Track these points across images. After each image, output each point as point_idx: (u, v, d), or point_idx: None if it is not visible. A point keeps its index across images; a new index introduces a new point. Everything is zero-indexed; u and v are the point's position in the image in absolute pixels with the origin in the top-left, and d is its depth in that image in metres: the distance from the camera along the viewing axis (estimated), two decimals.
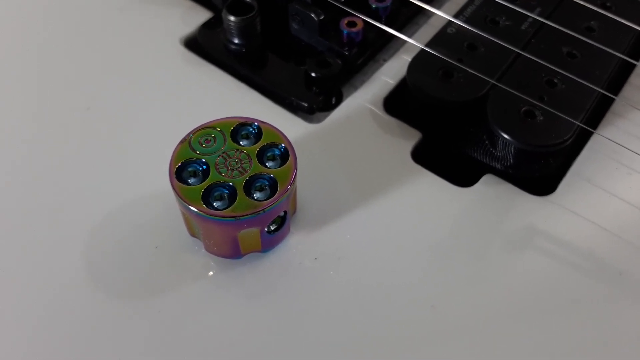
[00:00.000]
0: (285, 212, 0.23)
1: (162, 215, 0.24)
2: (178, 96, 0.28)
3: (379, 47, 0.31)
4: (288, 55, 0.30)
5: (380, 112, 0.28)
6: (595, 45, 0.28)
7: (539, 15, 0.30)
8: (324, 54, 0.29)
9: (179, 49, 0.30)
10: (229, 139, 0.23)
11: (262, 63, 0.30)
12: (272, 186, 0.22)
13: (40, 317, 0.22)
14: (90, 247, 0.23)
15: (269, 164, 0.22)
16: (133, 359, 0.21)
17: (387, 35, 0.30)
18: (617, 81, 0.29)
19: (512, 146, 0.25)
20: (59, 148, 0.26)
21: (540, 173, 0.26)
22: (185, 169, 0.22)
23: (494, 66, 0.27)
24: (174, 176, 0.22)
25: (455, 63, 0.27)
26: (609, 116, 0.28)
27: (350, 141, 0.27)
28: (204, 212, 0.21)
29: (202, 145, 0.22)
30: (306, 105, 0.28)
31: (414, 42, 0.29)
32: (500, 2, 0.30)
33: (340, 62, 0.28)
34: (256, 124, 0.23)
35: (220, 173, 0.22)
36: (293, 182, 0.22)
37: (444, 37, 0.29)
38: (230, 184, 0.21)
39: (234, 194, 0.21)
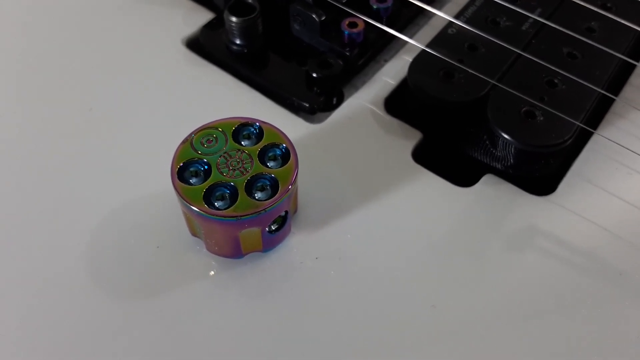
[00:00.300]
0: (286, 212, 0.23)
1: (163, 215, 0.24)
2: (180, 97, 0.28)
3: (380, 47, 0.31)
4: (289, 55, 0.30)
5: (381, 113, 0.28)
6: (596, 46, 0.28)
7: (539, 15, 0.30)
8: (325, 54, 0.29)
9: (180, 49, 0.30)
10: (230, 139, 0.23)
11: (263, 63, 0.30)
12: (273, 186, 0.22)
13: (42, 316, 0.22)
14: (92, 246, 0.23)
15: (270, 164, 0.22)
16: (134, 358, 0.21)
17: (388, 36, 0.30)
18: (618, 81, 0.29)
19: (513, 146, 0.25)
20: (62, 148, 0.26)
21: (540, 173, 0.26)
22: (187, 169, 0.22)
23: (494, 67, 0.27)
24: (176, 176, 0.22)
25: (456, 63, 0.27)
26: (609, 116, 0.28)
27: (351, 141, 0.27)
28: (206, 212, 0.21)
29: (203, 145, 0.22)
30: (307, 105, 0.28)
31: (414, 43, 0.29)
32: (500, 2, 0.30)
33: (341, 63, 0.28)
34: (257, 124, 0.23)
35: (221, 173, 0.22)
36: (294, 182, 0.22)
37: (445, 38, 0.29)
38: (232, 183, 0.22)
39: (235, 194, 0.21)
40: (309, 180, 0.25)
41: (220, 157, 0.22)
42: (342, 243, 0.24)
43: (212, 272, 0.23)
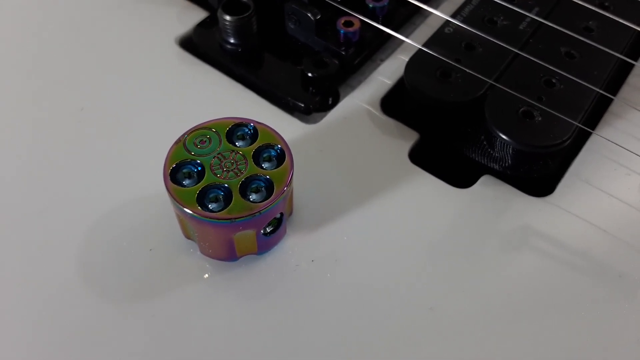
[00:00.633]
0: (282, 214, 0.22)
1: (156, 217, 0.24)
2: (173, 96, 0.28)
3: (376, 47, 0.30)
4: (284, 55, 0.30)
5: (378, 113, 0.28)
6: (594, 45, 0.28)
7: (537, 15, 0.29)
8: (321, 53, 0.29)
9: (174, 48, 0.30)
10: (224, 140, 0.22)
11: (258, 63, 0.29)
12: (268, 188, 0.21)
13: (34, 320, 0.22)
14: (84, 249, 0.23)
15: (265, 165, 0.22)
16: None
17: (384, 35, 0.30)
18: (616, 81, 0.29)
19: (510, 147, 0.25)
20: (52, 149, 0.26)
21: (538, 174, 0.26)
22: (180, 170, 0.22)
23: (492, 66, 0.27)
24: (169, 178, 0.21)
25: (453, 63, 0.27)
26: (607, 116, 0.28)
27: (347, 142, 0.27)
28: (199, 214, 0.21)
29: (197, 146, 0.22)
30: (303, 105, 0.28)
31: (411, 42, 0.29)
32: (498, 1, 0.30)
33: (337, 62, 0.28)
34: (252, 124, 0.23)
35: (215, 174, 0.21)
36: (289, 184, 0.22)
37: (442, 37, 0.28)
38: (226, 185, 0.21)
39: (230, 196, 0.21)
40: (304, 182, 0.25)
41: (214, 158, 0.22)
42: (338, 245, 0.23)
43: (206, 275, 0.23)
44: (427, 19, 0.32)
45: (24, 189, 0.25)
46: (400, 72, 0.29)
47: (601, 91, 0.27)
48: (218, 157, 0.22)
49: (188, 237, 0.23)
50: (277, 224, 0.23)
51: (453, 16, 0.29)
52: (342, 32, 0.29)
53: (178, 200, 0.21)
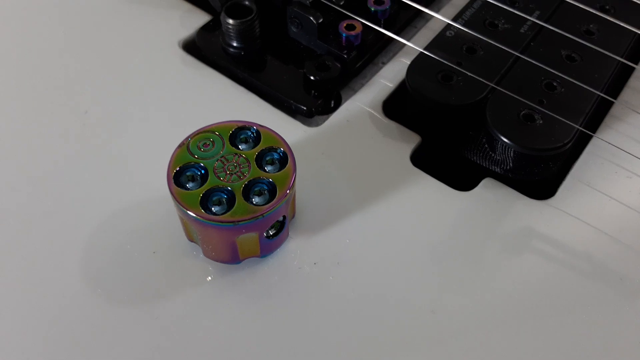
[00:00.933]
0: (284, 217, 0.23)
1: (160, 220, 0.24)
2: (176, 100, 0.28)
3: (377, 50, 0.31)
4: (287, 58, 0.30)
5: (380, 116, 0.28)
6: (595, 49, 0.28)
7: (538, 18, 0.30)
8: (323, 57, 0.29)
9: (177, 52, 0.30)
10: (227, 143, 0.22)
11: (260, 66, 0.30)
12: (271, 191, 0.21)
13: (38, 322, 0.22)
14: (88, 252, 0.23)
15: (267, 168, 0.22)
16: None
17: (386, 39, 0.30)
18: (617, 84, 0.29)
19: (512, 150, 0.25)
20: (56, 152, 0.26)
21: (539, 177, 0.26)
22: (184, 174, 0.22)
23: (493, 69, 0.27)
24: (172, 181, 0.21)
25: (454, 66, 0.27)
26: (608, 119, 0.28)
27: (349, 145, 0.27)
28: (202, 217, 0.21)
29: (200, 149, 0.22)
30: (305, 108, 0.28)
31: (412, 46, 0.29)
32: (499, 5, 0.30)
33: (339, 65, 0.28)
34: (255, 127, 0.23)
35: (218, 177, 0.22)
36: (292, 187, 0.22)
37: (443, 40, 0.29)
38: (229, 188, 0.21)
39: (233, 199, 0.21)
40: (306, 185, 0.25)
41: (217, 161, 0.22)
42: (340, 248, 0.24)
43: (209, 278, 0.23)
44: (429, 22, 0.32)
45: (29, 191, 0.25)
46: (402, 75, 0.29)
47: (602, 94, 0.27)
48: (221, 160, 0.22)
49: (191, 239, 0.23)
50: (280, 226, 0.23)
51: (454, 19, 0.29)
52: (344, 35, 0.29)
53: (181, 203, 0.21)
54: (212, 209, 0.21)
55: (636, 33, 0.29)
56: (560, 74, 0.27)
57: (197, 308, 0.22)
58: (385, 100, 0.28)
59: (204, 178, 0.22)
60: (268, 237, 0.23)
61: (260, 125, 0.23)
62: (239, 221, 0.21)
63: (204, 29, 0.31)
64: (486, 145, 0.27)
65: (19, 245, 0.23)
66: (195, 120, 0.24)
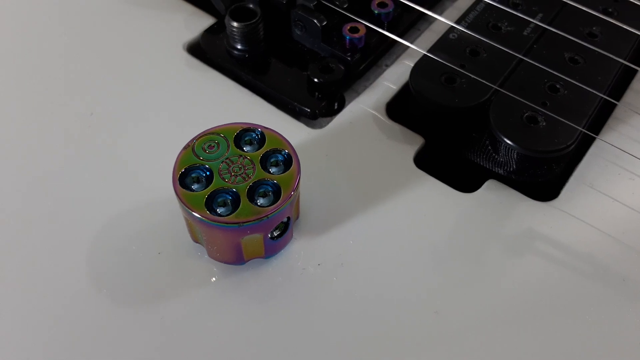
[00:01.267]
0: (289, 218, 0.23)
1: (165, 221, 0.24)
2: (181, 102, 0.28)
3: (381, 52, 0.31)
4: (291, 60, 0.30)
5: (383, 118, 0.28)
6: (598, 51, 0.28)
7: (541, 21, 0.30)
8: (327, 59, 0.29)
9: (182, 54, 0.30)
10: (232, 145, 0.23)
11: (264, 69, 0.30)
12: (276, 192, 0.22)
13: (44, 322, 0.22)
14: (93, 253, 0.23)
15: (272, 169, 0.22)
16: None
17: (390, 41, 0.30)
18: (619, 87, 0.29)
19: (515, 152, 0.25)
20: (63, 154, 0.26)
21: (543, 178, 0.26)
22: (189, 175, 0.22)
23: (496, 72, 0.27)
24: (177, 182, 0.22)
25: (457, 69, 0.27)
26: (611, 121, 0.28)
27: (353, 147, 0.27)
28: (207, 219, 0.21)
29: (205, 151, 0.22)
30: (309, 110, 0.28)
31: (416, 48, 0.29)
32: (502, 7, 0.30)
33: (342, 68, 0.28)
34: (259, 129, 0.23)
35: (223, 179, 0.22)
36: (296, 188, 0.22)
37: (446, 43, 0.29)
38: (234, 190, 0.21)
39: (238, 200, 0.21)
40: (310, 186, 0.25)
41: (222, 163, 0.22)
42: (344, 249, 0.24)
43: (214, 279, 0.23)
44: (432, 24, 0.32)
45: (35, 192, 0.25)
46: (405, 77, 0.29)
47: (605, 96, 0.27)
48: (226, 162, 0.22)
49: (196, 240, 0.24)
50: (284, 228, 0.23)
51: (458, 22, 0.30)
52: (347, 38, 0.29)
53: (187, 204, 0.21)
54: (217, 210, 0.21)
55: (639, 35, 0.29)
56: (563, 76, 0.27)
57: (201, 308, 0.22)
58: (389, 103, 0.29)
59: (209, 180, 0.22)
60: (272, 238, 0.23)
61: (264, 127, 0.23)
62: (244, 222, 0.21)
63: (209, 31, 0.31)
64: (489, 147, 0.27)
65: (25, 246, 0.24)
66: (200, 122, 0.24)
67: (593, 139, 0.27)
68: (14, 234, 0.24)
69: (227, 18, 0.29)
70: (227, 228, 0.21)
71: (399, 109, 0.29)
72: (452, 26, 0.29)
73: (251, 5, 0.29)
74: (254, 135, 0.23)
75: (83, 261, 0.23)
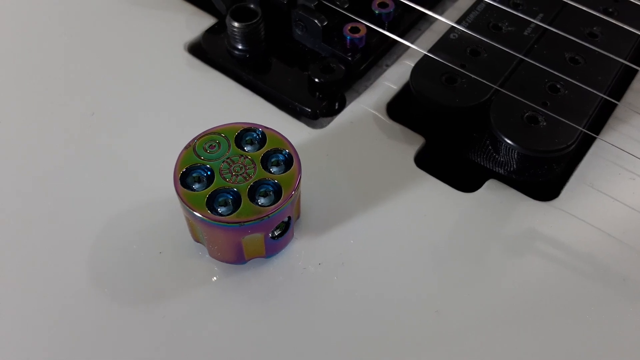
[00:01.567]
0: (289, 218, 0.23)
1: (166, 221, 0.24)
2: (182, 102, 0.28)
3: (382, 52, 0.31)
4: (291, 60, 0.30)
5: (384, 118, 0.28)
6: (598, 51, 0.28)
7: (541, 21, 0.30)
8: (328, 59, 0.29)
9: (183, 54, 0.30)
10: (233, 145, 0.23)
11: (265, 69, 0.30)
12: (277, 192, 0.22)
13: (45, 322, 0.22)
14: (94, 252, 0.23)
15: (273, 169, 0.22)
16: None
17: (390, 41, 0.30)
18: (620, 86, 0.29)
19: (516, 151, 0.25)
20: (64, 154, 0.26)
21: (543, 178, 0.26)
22: (190, 175, 0.22)
23: (497, 72, 0.27)
24: (179, 182, 0.22)
25: (458, 69, 0.27)
26: (611, 121, 0.28)
27: (353, 146, 0.27)
28: (209, 218, 0.21)
29: (206, 151, 0.22)
30: (310, 110, 0.28)
31: (416, 48, 0.29)
32: (502, 8, 0.30)
33: (343, 68, 0.28)
34: (260, 129, 0.23)
35: (224, 179, 0.22)
36: (297, 188, 0.22)
37: (447, 43, 0.29)
38: (235, 189, 0.21)
39: (239, 200, 0.21)
40: (311, 186, 0.25)
41: (223, 162, 0.22)
42: (345, 249, 0.24)
43: (215, 278, 0.23)
44: (433, 24, 0.32)
45: (37, 192, 0.25)
46: (406, 77, 0.29)
47: (605, 96, 0.27)
48: (227, 162, 0.22)
49: (197, 240, 0.24)
50: (285, 227, 0.23)
51: (458, 22, 0.30)
52: (348, 38, 0.29)
53: (188, 204, 0.21)
54: (218, 209, 0.21)
55: (639, 35, 0.29)
56: (563, 76, 0.27)
57: (202, 308, 0.22)
58: (390, 102, 0.29)
59: (210, 179, 0.22)
60: (273, 237, 0.23)
61: (265, 127, 0.23)
62: (245, 222, 0.21)
63: (210, 31, 0.31)
64: (490, 147, 0.27)
65: (26, 246, 0.24)
66: (201, 122, 0.24)
67: (593, 139, 0.27)
68: (15, 234, 0.24)
69: (228, 18, 0.29)
70: (228, 227, 0.21)
71: (400, 108, 0.29)
72: (452, 26, 0.29)
73: (252, 6, 0.29)
74: (254, 135, 0.23)
75: (84, 261, 0.23)
